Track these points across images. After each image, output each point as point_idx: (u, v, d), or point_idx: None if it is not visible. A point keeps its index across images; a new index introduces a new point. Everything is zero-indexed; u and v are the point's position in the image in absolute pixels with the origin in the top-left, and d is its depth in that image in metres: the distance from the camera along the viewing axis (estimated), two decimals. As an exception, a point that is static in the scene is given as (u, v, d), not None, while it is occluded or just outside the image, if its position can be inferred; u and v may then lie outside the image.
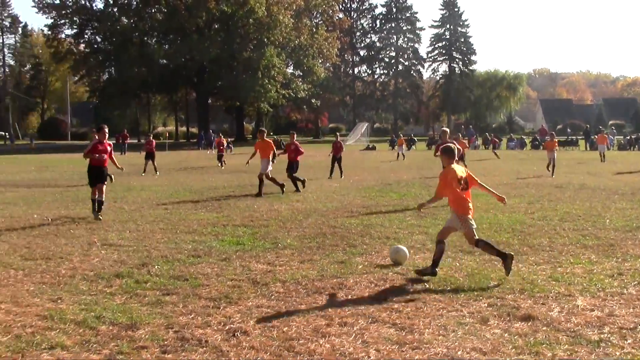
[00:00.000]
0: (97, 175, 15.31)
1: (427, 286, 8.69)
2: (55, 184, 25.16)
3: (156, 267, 9.81)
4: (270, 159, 20.90)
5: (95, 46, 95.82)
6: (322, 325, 7.05)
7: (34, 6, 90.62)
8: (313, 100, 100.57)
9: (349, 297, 8.21)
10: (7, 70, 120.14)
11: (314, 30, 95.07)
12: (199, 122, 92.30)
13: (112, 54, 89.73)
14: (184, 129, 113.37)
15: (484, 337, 6.67)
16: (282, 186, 20.66)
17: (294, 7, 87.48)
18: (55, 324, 7.04)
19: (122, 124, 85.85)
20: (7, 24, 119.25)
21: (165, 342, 6.47)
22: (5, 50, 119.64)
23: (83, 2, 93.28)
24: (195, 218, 15.19)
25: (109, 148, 15.39)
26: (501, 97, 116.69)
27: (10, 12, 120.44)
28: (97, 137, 15.55)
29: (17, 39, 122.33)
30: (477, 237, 9.21)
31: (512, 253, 9.39)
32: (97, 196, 14.96)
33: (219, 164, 36.73)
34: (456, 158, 9.48)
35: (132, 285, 8.72)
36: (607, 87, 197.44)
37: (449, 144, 10.09)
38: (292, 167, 22.11)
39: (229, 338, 6.62)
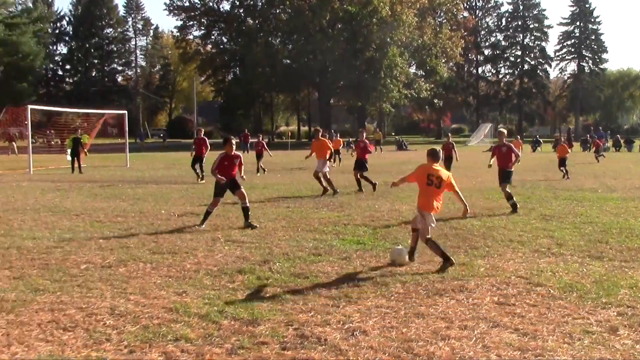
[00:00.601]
0: (230, 186, 13.84)
1: (552, 292, 8.40)
2: (182, 181, 25.95)
3: (277, 264, 9.93)
4: (327, 158, 20.79)
5: (222, 47, 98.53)
6: (442, 327, 6.93)
7: (165, 9, 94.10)
8: (435, 101, 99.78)
9: (470, 300, 8.04)
10: (138, 71, 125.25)
11: (438, 29, 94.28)
12: (321, 121, 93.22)
13: (238, 55, 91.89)
14: (306, 128, 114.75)
15: (613, 348, 6.38)
16: (374, 185, 21.24)
17: (418, 6, 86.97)
18: (180, 316, 7.23)
19: (245, 123, 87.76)
20: (139, 26, 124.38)
21: (285, 339, 6.53)
22: (138, 51, 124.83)
23: (211, 4, 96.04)
24: (317, 217, 15.31)
25: (236, 161, 13.87)
26: (634, 97, 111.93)
27: (143, 15, 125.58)
28: (224, 150, 13.94)
29: (148, 40, 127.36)
30: (428, 236, 9.82)
31: (454, 261, 9.69)
32: (241, 203, 13.86)
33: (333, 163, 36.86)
34: (439, 160, 10.21)
35: (253, 282, 8.87)
36: None
37: (434, 147, 10.65)
38: (361, 165, 21.88)
39: (348, 337, 6.61)
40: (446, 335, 6.69)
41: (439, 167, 10.11)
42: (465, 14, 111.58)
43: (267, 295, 8.20)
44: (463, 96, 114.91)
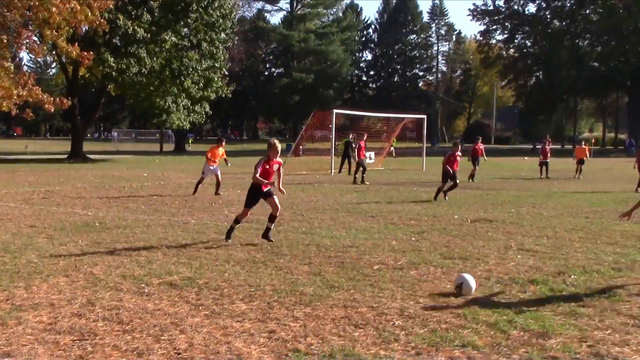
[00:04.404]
0: (263, 194, 12.30)
1: None
2: (477, 187, 25.79)
3: (573, 276, 9.47)
4: None
5: (525, 50, 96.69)
6: None
7: (469, 14, 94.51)
8: None
9: None
10: (439, 76, 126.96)
11: None
12: (630, 128, 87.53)
13: (541, 58, 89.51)
14: (612, 134, 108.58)
15: None
16: None
17: None
18: (468, 322, 7.17)
19: (545, 129, 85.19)
20: (442, 32, 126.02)
21: (578, 356, 6.19)
22: (439, 57, 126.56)
23: (515, 7, 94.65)
24: (619, 229, 14.37)
25: (275, 167, 12.37)
26: None
27: (447, 20, 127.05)
28: (268, 155, 12.35)
29: (450, 46, 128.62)
30: None
31: None
32: (273, 212, 12.28)
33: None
34: None
35: (546, 293, 8.54)
36: None
37: None
38: None
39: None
40: None
41: None
42: None
43: (560, 308, 7.84)
44: None
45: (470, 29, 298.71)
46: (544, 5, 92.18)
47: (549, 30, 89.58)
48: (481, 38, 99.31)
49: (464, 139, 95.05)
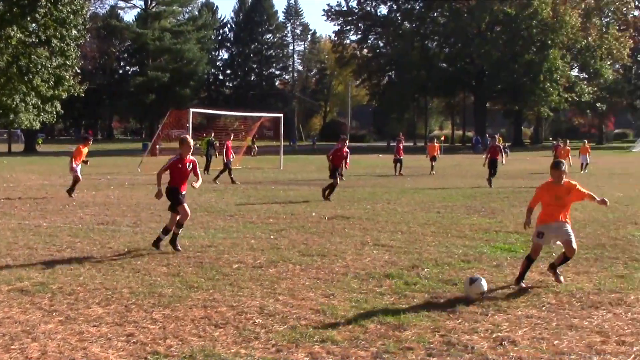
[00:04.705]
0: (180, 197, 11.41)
1: None
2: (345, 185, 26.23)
3: (426, 269, 9.84)
4: None
5: (377, 51, 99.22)
6: (597, 342, 6.61)
7: (323, 14, 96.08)
8: (598, 104, 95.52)
9: (629, 314, 7.63)
10: (295, 75, 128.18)
11: (604, 29, 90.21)
12: (476, 126, 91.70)
13: (393, 59, 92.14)
14: (460, 132, 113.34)
15: None
16: None
17: (583, 6, 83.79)
18: (327, 318, 7.31)
19: (398, 127, 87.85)
20: (298, 31, 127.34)
21: (431, 345, 6.45)
22: (295, 56, 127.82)
23: (368, 9, 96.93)
24: (468, 223, 15.06)
25: (190, 165, 11.50)
26: None
27: (302, 20, 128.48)
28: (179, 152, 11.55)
29: (306, 45, 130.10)
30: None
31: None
32: (182, 219, 11.41)
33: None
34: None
35: (401, 286, 8.82)
36: None
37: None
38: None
39: (496, 346, 6.44)
40: (601, 350, 6.38)
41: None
42: (636, 12, 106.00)
43: (415, 300, 8.14)
44: (629, 99, 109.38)
45: (325, 29, 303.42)
46: (394, 7, 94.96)
47: (400, 32, 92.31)
48: (335, 38, 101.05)
49: (319, 137, 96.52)
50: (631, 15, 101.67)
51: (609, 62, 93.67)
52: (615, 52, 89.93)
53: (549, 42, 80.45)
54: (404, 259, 10.64)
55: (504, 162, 28.04)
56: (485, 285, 8.35)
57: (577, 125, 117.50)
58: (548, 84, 79.55)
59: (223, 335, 6.72)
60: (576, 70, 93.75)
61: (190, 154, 11.50)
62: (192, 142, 11.64)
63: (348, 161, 21.04)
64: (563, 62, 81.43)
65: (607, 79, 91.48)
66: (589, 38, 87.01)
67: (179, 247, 11.27)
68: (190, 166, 11.47)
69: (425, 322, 7.21)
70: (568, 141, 29.39)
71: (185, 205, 11.38)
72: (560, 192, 8.83)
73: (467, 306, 7.86)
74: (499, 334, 6.84)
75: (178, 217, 11.37)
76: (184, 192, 11.46)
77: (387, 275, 9.43)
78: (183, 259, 10.57)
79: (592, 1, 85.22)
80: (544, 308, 7.85)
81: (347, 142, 21.35)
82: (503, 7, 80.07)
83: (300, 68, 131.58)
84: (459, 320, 7.29)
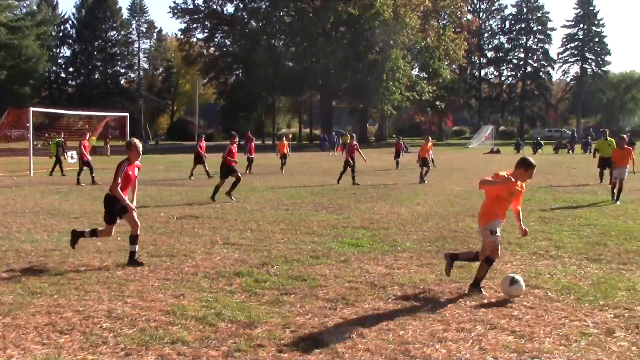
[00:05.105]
0: (120, 208, 10.44)
1: (549, 294, 8.41)
2: (182, 184, 25.98)
3: (275, 267, 9.93)
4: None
5: (225, 49, 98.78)
6: (439, 330, 6.94)
7: (169, 12, 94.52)
8: (437, 103, 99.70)
9: (468, 302, 8.05)
10: (141, 73, 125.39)
11: (441, 31, 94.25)
12: (323, 124, 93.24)
13: (240, 57, 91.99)
14: (307, 130, 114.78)
15: (609, 350, 6.40)
16: None
17: (422, 9, 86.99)
18: (177, 319, 7.24)
19: (247, 126, 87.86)
20: (143, 29, 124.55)
21: (282, 342, 6.53)
22: (141, 54, 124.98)
23: (214, 7, 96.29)
24: (316, 219, 15.30)
25: (137, 171, 10.63)
26: (637, 99, 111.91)
27: (147, 18, 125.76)
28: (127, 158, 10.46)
29: (151, 43, 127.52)
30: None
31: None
32: (133, 231, 10.46)
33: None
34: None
35: (251, 284, 8.86)
36: None
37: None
38: None
39: (345, 340, 6.61)
40: (443, 337, 6.70)
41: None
42: (469, 16, 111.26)
43: (265, 298, 8.20)
44: (465, 98, 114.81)
45: (172, 26, 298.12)
46: (241, 6, 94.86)
47: (247, 30, 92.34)
48: (182, 36, 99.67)
49: (167, 136, 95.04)
50: (465, 19, 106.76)
51: (446, 63, 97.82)
52: (452, 53, 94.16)
53: (391, 42, 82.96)
54: (254, 257, 10.69)
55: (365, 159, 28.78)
56: (523, 288, 8.30)
57: (418, 122, 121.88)
58: (391, 83, 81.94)
59: (69, 342, 6.51)
60: (417, 69, 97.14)
61: (139, 158, 10.57)
62: (140, 146, 10.58)
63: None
64: (404, 62, 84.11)
65: (445, 78, 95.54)
66: (428, 39, 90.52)
67: (141, 261, 10.25)
68: (137, 172, 10.59)
69: (276, 319, 7.28)
70: (430, 138, 30.20)
71: (134, 213, 10.45)
72: (515, 191, 8.50)
73: (317, 301, 8.01)
74: (348, 327, 7.01)
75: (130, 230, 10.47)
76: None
77: (237, 274, 9.45)
78: (25, 264, 10.12)
79: (430, 4, 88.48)
80: (389, 300, 8.13)
81: (236, 139, 21.22)
82: (347, 7, 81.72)
83: (146, 66, 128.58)
84: (309, 316, 7.41)
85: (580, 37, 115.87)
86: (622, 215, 16.01)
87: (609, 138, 24.21)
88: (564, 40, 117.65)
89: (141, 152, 10.55)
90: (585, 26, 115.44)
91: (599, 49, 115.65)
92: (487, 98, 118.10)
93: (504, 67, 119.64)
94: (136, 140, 10.57)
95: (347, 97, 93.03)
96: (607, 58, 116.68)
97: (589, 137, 66.53)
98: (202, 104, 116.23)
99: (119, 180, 10.04)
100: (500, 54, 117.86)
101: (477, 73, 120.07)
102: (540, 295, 8.39)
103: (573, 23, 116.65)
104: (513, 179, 8.28)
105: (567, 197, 20.33)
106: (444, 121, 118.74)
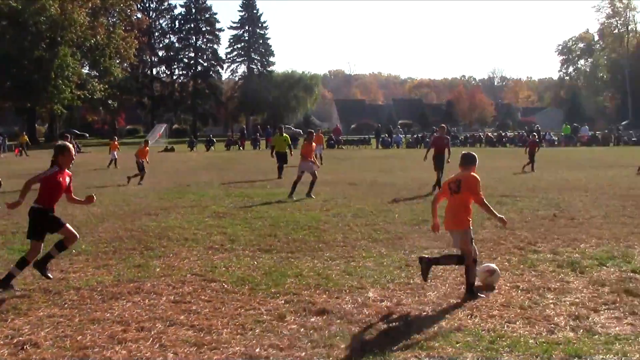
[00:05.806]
0: (52, 221, 8.92)
1: (225, 286, 8.76)
2: None
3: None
4: None
5: None
6: (119, 331, 6.92)
7: None
8: (110, 102, 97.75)
9: (147, 301, 8.10)
10: None
11: (111, 29, 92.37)
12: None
13: None
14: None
15: (281, 334, 6.84)
16: None
17: (90, 5, 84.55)
18: None
19: None
20: None
21: None
22: None
23: None
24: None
25: (68, 180, 9.04)
26: (298, 98, 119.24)
27: None
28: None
29: None
30: None
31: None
32: (68, 242, 9.18)
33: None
34: None
35: None
36: (397, 88, 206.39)
37: None
38: None
39: (18, 352, 6.32)
40: (123, 338, 6.68)
41: None
42: (139, 14, 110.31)
43: None
44: (138, 97, 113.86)
45: None
46: None
47: None
48: None
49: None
50: (135, 18, 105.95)
51: (117, 61, 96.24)
52: (123, 51, 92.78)
53: (59, 39, 79.68)
54: None
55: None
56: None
57: (91, 121, 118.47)
58: (60, 81, 78.70)
59: None
60: (87, 68, 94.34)
61: (70, 165, 9.15)
62: (74, 152, 9.16)
63: None
64: (74, 60, 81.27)
65: (117, 76, 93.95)
66: (98, 37, 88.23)
67: (50, 275, 8.96)
68: (68, 181, 8.99)
69: None
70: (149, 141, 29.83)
71: (68, 225, 9.03)
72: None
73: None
74: (21, 338, 6.72)
75: (62, 239, 8.98)
76: (52, 214, 8.84)
77: None
78: None
79: (99, 1, 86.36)
80: (66, 305, 7.91)
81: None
82: (9, 0, 76.88)
83: None
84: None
85: (246, 38, 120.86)
86: (289, 207, 17.05)
87: (284, 134, 26.92)
88: (231, 41, 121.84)
89: (74, 159, 9.35)
90: (250, 28, 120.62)
91: (263, 50, 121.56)
92: (160, 97, 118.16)
93: (175, 66, 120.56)
94: (68, 144, 9.15)
95: (12, 96, 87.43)
96: (271, 59, 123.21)
97: (258, 134, 69.80)
98: None
99: (33, 182, 8.70)
100: (172, 53, 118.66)
101: (149, 72, 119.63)
102: (217, 288, 8.70)
103: (239, 25, 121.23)
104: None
105: (238, 192, 21.12)
106: (117, 120, 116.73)
